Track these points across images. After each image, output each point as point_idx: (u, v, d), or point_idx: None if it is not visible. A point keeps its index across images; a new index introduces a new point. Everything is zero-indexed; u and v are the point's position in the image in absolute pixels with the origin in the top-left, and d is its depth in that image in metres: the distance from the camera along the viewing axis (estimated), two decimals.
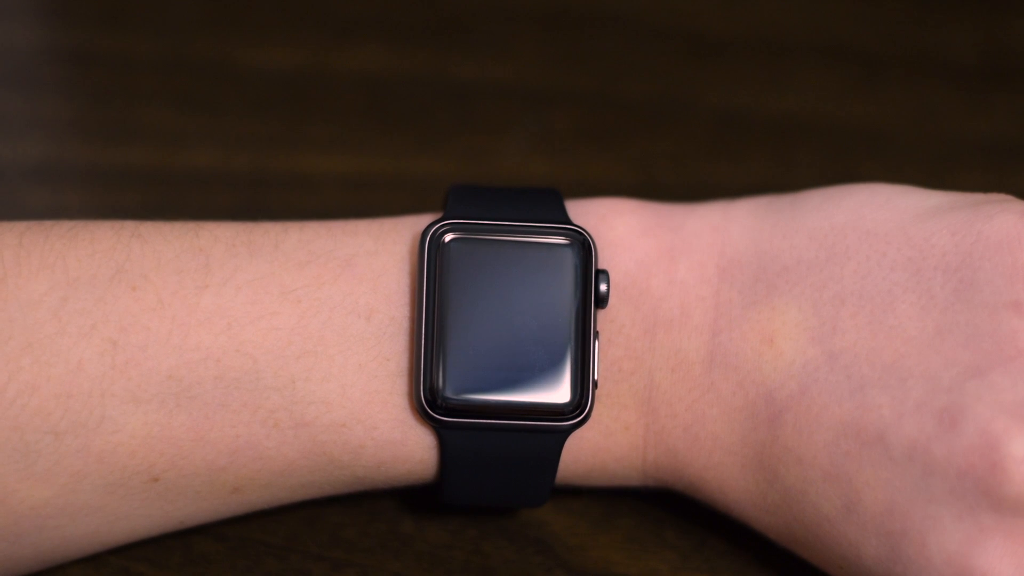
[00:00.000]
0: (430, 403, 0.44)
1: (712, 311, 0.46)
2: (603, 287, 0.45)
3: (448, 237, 0.45)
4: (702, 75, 0.69)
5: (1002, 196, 0.46)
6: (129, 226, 0.46)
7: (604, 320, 0.46)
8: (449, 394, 0.44)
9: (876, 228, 0.45)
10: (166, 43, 0.68)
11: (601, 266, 0.46)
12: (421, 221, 0.47)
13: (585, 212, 0.48)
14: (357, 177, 0.64)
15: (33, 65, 0.68)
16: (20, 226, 0.45)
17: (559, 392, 0.45)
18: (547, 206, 0.47)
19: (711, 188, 0.56)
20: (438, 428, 0.45)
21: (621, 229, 0.47)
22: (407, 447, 0.46)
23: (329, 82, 0.67)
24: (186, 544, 0.49)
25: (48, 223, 0.45)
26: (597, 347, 0.45)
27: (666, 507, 0.51)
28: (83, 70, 0.68)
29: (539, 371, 0.45)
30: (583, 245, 0.45)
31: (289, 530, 0.50)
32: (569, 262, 0.45)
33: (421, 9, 0.71)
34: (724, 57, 0.70)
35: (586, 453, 0.47)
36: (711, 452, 0.46)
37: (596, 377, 0.45)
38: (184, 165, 0.63)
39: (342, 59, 0.68)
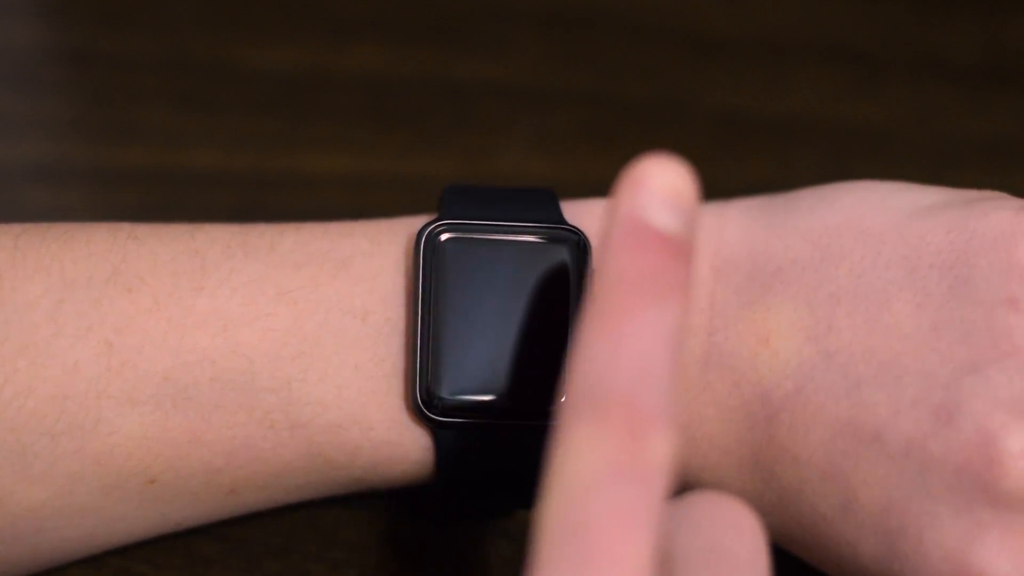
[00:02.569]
0: (426, 403, 0.45)
1: (707, 311, 0.46)
2: None
3: (443, 237, 0.45)
4: (702, 75, 0.69)
5: (996, 193, 0.46)
6: (125, 228, 0.46)
7: None
8: (444, 394, 0.44)
9: (871, 227, 0.45)
10: (166, 43, 0.68)
11: (596, 266, 0.46)
12: (417, 222, 0.47)
13: (581, 212, 0.48)
14: (357, 177, 0.64)
15: (33, 65, 0.68)
16: (16, 228, 0.45)
17: (555, 393, 0.45)
18: (542, 206, 0.47)
19: (711, 188, 0.56)
20: (434, 428, 0.45)
21: None
22: (403, 448, 0.46)
23: (329, 82, 0.67)
24: (186, 545, 0.49)
25: (44, 225, 0.45)
26: None
27: None
28: (83, 70, 0.68)
29: (534, 371, 0.45)
30: (578, 245, 0.46)
31: (289, 530, 0.50)
32: (565, 262, 0.45)
33: (421, 9, 0.71)
34: (724, 57, 0.70)
35: None
36: (707, 452, 0.46)
37: None
38: (184, 165, 0.63)
39: (342, 59, 0.68)
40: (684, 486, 0.47)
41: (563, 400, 0.33)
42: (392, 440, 0.45)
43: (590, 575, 0.31)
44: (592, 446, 0.32)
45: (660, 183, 0.34)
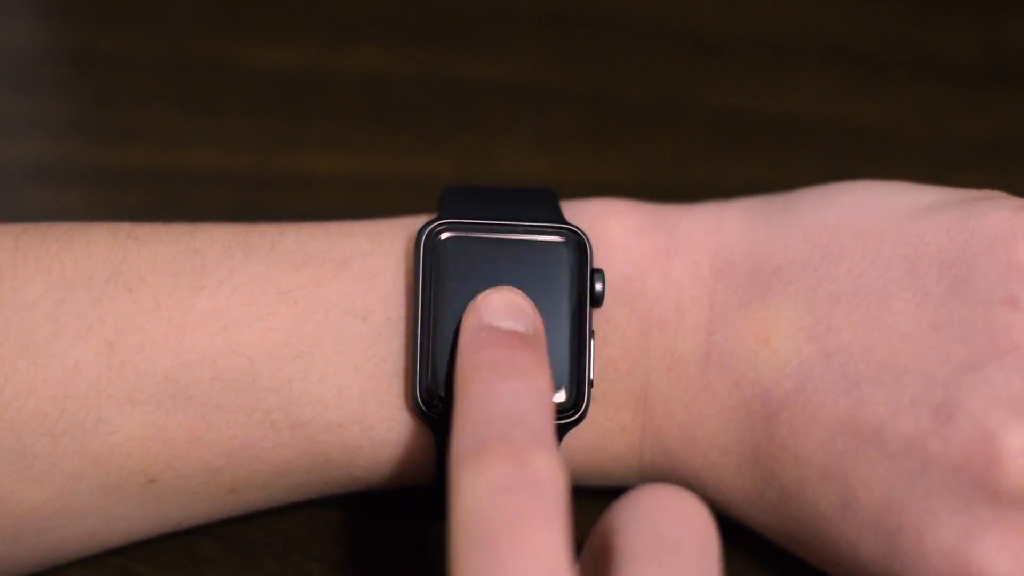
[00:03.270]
0: (426, 403, 0.44)
1: (707, 311, 0.46)
2: (599, 286, 0.45)
3: (443, 236, 0.45)
4: (702, 75, 0.69)
5: (995, 192, 0.46)
6: (125, 228, 0.46)
7: (600, 320, 0.46)
8: (444, 393, 0.44)
9: (870, 227, 0.45)
10: (166, 43, 0.68)
11: (596, 266, 0.46)
12: (417, 222, 0.47)
13: (580, 212, 0.48)
14: (357, 177, 0.64)
15: (33, 65, 0.68)
16: (16, 228, 0.45)
17: (555, 391, 0.45)
18: (542, 205, 0.47)
19: (711, 188, 0.56)
20: (434, 428, 0.45)
21: (616, 229, 0.47)
22: (403, 447, 0.46)
23: (329, 82, 0.67)
24: (186, 545, 0.49)
25: (44, 225, 0.45)
26: (593, 347, 0.45)
27: None
28: (83, 70, 0.68)
29: None
30: (578, 244, 0.45)
31: (289, 530, 0.50)
32: (565, 261, 0.45)
33: (421, 9, 0.71)
34: (724, 57, 0.70)
35: (582, 453, 0.47)
36: (707, 452, 0.46)
37: (592, 377, 0.45)
38: (184, 165, 0.63)
39: (342, 59, 0.68)
40: (685, 486, 0.47)
41: (449, 456, 0.37)
42: (392, 440, 0.46)
43: (504, 564, 0.34)
44: (481, 475, 0.36)
45: (498, 300, 0.44)
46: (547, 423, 0.38)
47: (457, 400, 0.39)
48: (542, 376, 0.40)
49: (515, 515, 0.34)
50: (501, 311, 0.43)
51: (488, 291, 0.44)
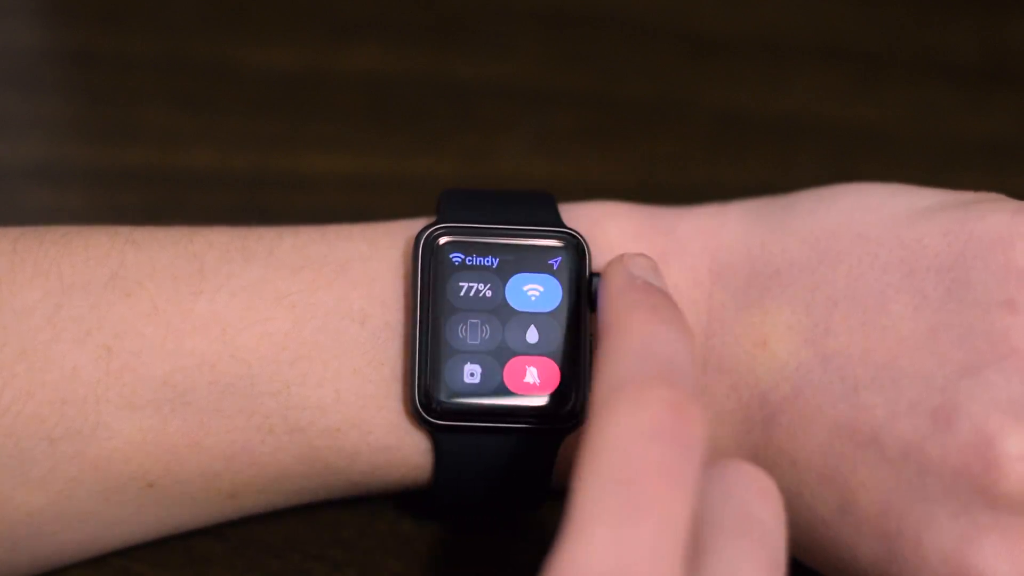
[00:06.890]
0: (424, 407, 0.44)
1: (705, 314, 0.46)
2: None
3: (442, 241, 0.45)
4: (702, 75, 0.69)
5: (993, 195, 0.46)
6: (123, 232, 0.46)
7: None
8: (443, 398, 0.44)
9: (867, 230, 0.45)
10: (166, 43, 0.68)
11: (595, 269, 0.46)
12: (415, 225, 0.47)
13: (578, 215, 0.48)
14: (357, 177, 0.64)
15: (33, 65, 0.68)
16: (14, 232, 0.45)
17: (554, 395, 0.45)
18: (540, 209, 0.47)
19: (711, 188, 0.56)
20: (433, 432, 0.45)
21: (614, 232, 0.47)
22: (402, 452, 0.46)
23: (329, 82, 0.67)
24: (187, 544, 0.49)
25: (42, 229, 0.45)
26: (592, 350, 0.45)
27: None
28: (83, 70, 0.68)
29: (534, 374, 0.45)
30: (577, 248, 0.46)
31: (289, 530, 0.50)
32: (563, 265, 0.45)
33: (421, 9, 0.71)
34: (724, 57, 0.70)
35: None
36: None
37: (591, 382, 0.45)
38: (184, 165, 0.63)
39: (342, 59, 0.68)
40: None
41: (598, 383, 0.37)
42: (391, 444, 0.45)
43: (636, 524, 0.33)
44: (639, 412, 0.35)
45: (644, 260, 0.44)
46: (696, 382, 0.37)
47: (614, 332, 0.39)
48: (692, 337, 0.40)
49: (663, 468, 0.34)
50: (648, 269, 0.43)
51: (631, 253, 0.44)
